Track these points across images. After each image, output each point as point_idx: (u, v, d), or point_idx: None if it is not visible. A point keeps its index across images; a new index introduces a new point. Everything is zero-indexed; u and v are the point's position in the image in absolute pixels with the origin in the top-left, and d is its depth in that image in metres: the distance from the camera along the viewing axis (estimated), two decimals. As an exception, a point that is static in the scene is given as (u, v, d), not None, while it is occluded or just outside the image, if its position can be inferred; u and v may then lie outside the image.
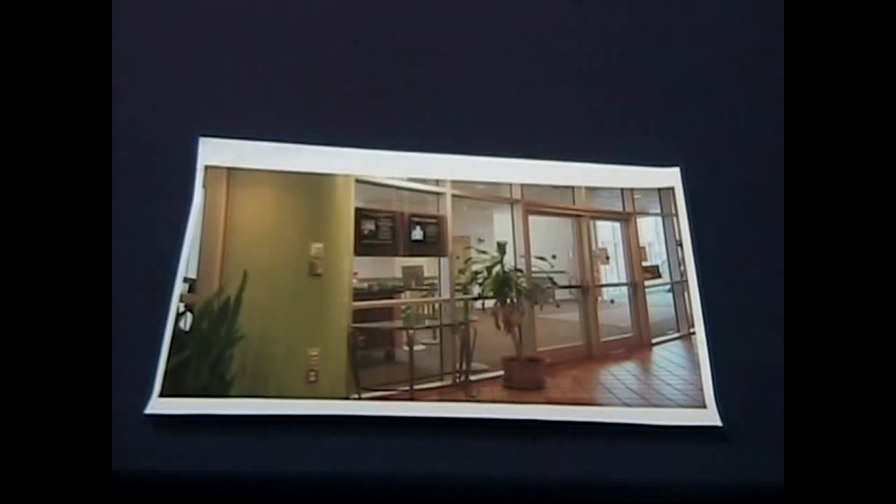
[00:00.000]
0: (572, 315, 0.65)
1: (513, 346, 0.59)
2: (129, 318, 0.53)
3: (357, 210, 0.62)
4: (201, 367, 0.55)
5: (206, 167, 0.62)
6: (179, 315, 0.56)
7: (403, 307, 0.63)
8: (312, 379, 0.56)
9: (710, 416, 0.53)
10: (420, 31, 0.74)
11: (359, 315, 0.59)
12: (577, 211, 0.67)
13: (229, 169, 0.62)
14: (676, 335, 0.60)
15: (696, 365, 0.56)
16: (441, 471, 0.51)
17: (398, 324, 0.62)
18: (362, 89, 0.70)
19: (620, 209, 0.66)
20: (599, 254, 0.67)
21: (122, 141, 0.56)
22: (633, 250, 0.66)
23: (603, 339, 0.64)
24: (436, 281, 0.64)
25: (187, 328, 0.56)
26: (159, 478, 0.50)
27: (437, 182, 0.65)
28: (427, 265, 0.64)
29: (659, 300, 0.64)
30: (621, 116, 0.69)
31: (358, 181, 0.63)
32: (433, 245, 0.64)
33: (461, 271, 0.63)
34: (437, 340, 0.61)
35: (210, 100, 0.68)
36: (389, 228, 0.63)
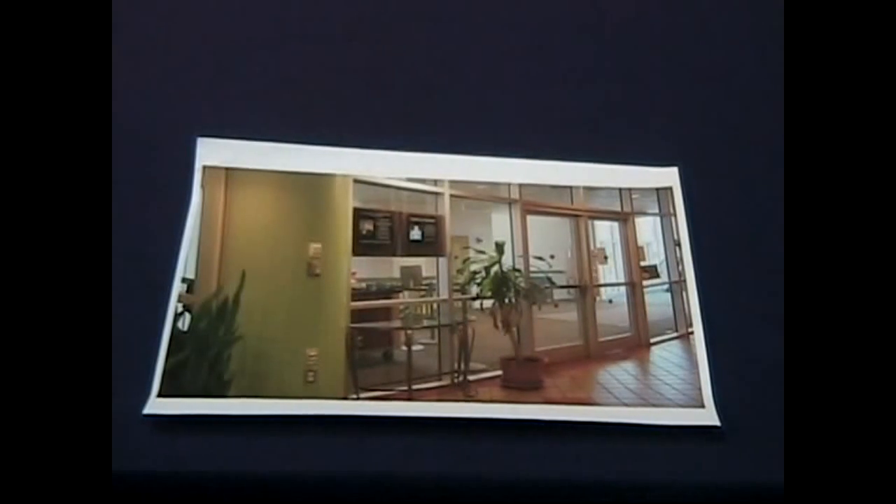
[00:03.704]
0: (570, 315, 0.65)
1: (511, 345, 0.59)
2: (127, 319, 0.53)
3: (355, 210, 0.62)
4: (200, 367, 0.55)
5: (205, 167, 0.62)
6: (178, 315, 0.56)
7: (402, 307, 0.63)
8: (311, 379, 0.56)
9: (708, 416, 0.53)
10: (418, 31, 0.74)
11: (357, 315, 0.59)
12: (575, 211, 0.67)
13: (227, 169, 0.62)
14: (675, 335, 0.60)
15: (694, 364, 0.56)
16: (439, 471, 0.51)
17: (396, 324, 0.62)
18: (360, 89, 0.70)
19: (619, 209, 0.66)
20: (597, 253, 0.67)
21: (120, 141, 0.56)
22: (632, 250, 0.66)
23: (601, 339, 0.64)
24: (434, 281, 0.64)
25: (185, 328, 0.56)
26: (157, 478, 0.50)
27: (435, 182, 0.65)
28: (425, 265, 0.64)
29: (657, 300, 0.64)
30: (619, 116, 0.69)
31: (356, 181, 0.63)
32: (431, 245, 0.64)
33: (459, 271, 0.63)
34: (436, 340, 0.61)
35: (208, 100, 0.68)
36: (388, 228, 0.63)
